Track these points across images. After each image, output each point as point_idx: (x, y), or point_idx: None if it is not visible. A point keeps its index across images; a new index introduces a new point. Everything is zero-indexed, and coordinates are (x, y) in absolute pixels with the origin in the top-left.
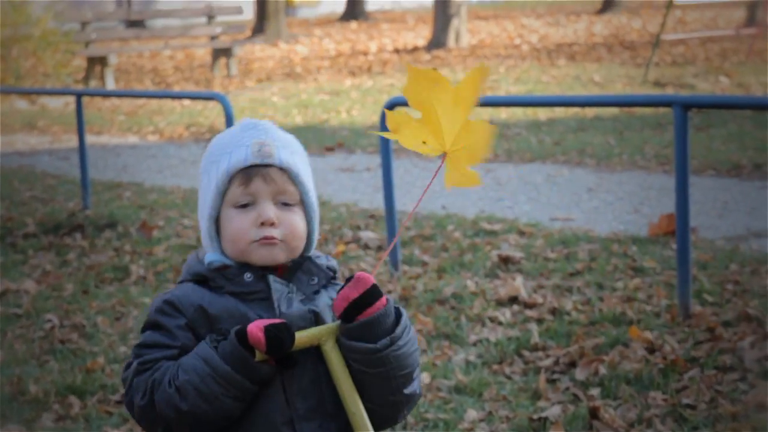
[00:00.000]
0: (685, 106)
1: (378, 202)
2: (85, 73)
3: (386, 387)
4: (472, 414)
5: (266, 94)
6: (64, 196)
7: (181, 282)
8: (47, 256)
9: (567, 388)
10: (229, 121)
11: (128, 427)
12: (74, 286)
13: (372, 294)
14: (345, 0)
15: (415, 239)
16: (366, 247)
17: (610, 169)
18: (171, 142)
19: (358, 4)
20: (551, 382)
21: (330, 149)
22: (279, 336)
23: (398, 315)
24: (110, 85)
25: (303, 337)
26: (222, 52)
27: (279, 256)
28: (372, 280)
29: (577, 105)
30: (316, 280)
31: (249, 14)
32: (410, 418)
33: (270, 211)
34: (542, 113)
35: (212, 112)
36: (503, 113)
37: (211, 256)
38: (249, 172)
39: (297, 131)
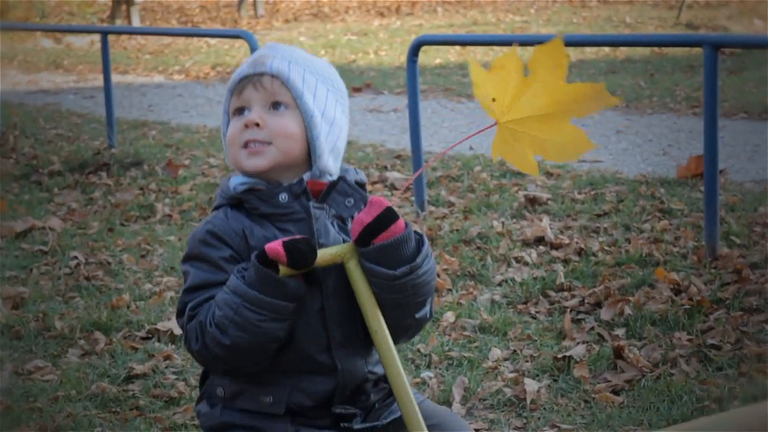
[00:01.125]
0: (715, 46)
1: (405, 143)
2: (111, 12)
3: (399, 312)
4: (496, 353)
5: (293, 35)
6: (90, 135)
7: (217, 207)
8: (73, 194)
9: (592, 328)
10: None
11: (153, 364)
12: (100, 224)
13: (386, 217)
14: None
15: (441, 180)
16: (392, 187)
17: (639, 111)
18: (197, 82)
19: None
20: (576, 322)
21: (357, 90)
22: (298, 247)
23: (420, 243)
24: (136, 23)
25: (325, 254)
26: None
27: (266, 162)
28: (386, 203)
29: (606, 45)
30: (352, 201)
31: None
32: (435, 357)
33: (254, 113)
34: (572, 54)
35: (239, 52)
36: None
37: (235, 179)
38: (242, 83)
39: None
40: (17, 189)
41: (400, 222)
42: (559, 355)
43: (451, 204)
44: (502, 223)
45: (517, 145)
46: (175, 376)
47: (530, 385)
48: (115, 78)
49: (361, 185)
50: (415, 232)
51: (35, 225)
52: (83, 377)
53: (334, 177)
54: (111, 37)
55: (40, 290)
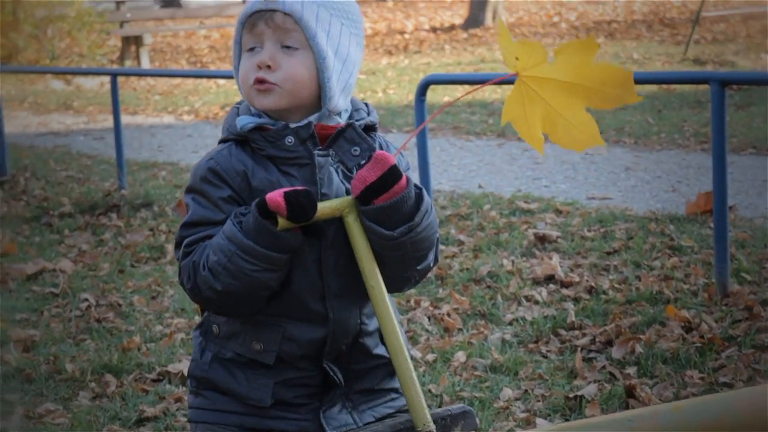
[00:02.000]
0: (722, 83)
1: (414, 181)
2: (120, 53)
3: (400, 266)
4: (507, 392)
5: None
6: (100, 176)
7: (223, 141)
8: (83, 235)
9: (603, 367)
10: None
11: (164, 406)
12: (110, 265)
13: (390, 177)
14: None
15: (451, 218)
16: None
17: (648, 148)
18: (206, 122)
19: None
20: (587, 360)
21: None
22: (299, 200)
23: (419, 198)
24: (145, 64)
25: (325, 207)
26: None
27: (277, 102)
28: (391, 161)
29: None
30: (358, 150)
31: None
32: (446, 397)
33: (265, 53)
34: None
35: None
36: None
37: (243, 119)
38: (254, 18)
39: None
40: (28, 231)
41: (403, 180)
42: (571, 395)
43: (461, 243)
44: (512, 261)
45: (530, 111)
46: (186, 419)
47: (542, 425)
48: (124, 119)
49: (371, 127)
50: (416, 185)
51: (46, 267)
52: (94, 420)
53: (343, 118)
54: (120, 78)
55: (51, 333)
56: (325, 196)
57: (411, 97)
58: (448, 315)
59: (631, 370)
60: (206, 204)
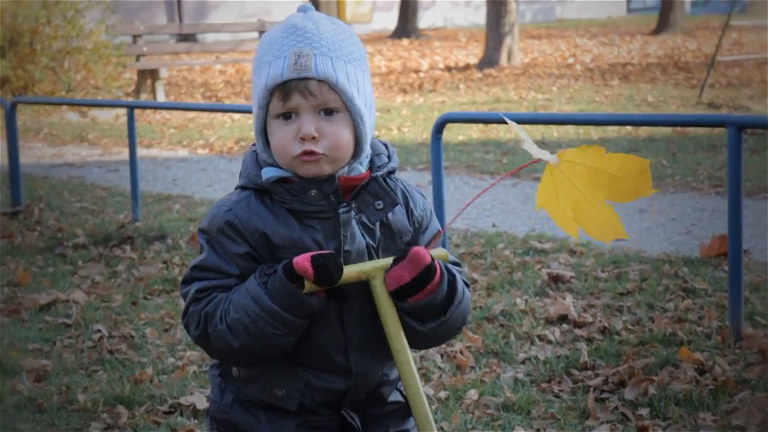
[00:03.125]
0: (739, 127)
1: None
2: (136, 86)
3: (428, 342)
4: None
5: None
6: (114, 208)
7: (242, 188)
8: (97, 267)
9: (616, 408)
10: None
11: None
12: (123, 297)
13: (425, 276)
14: (397, 17)
15: (464, 257)
16: None
17: (662, 190)
18: (221, 156)
19: (410, 21)
20: (600, 401)
21: None
22: (326, 265)
23: (452, 291)
24: (161, 98)
25: (352, 271)
26: None
27: (324, 169)
28: (427, 259)
29: (629, 124)
30: (381, 205)
31: None
32: None
33: (309, 125)
34: (594, 133)
35: None
36: (555, 132)
37: (269, 171)
38: (287, 87)
39: None
40: (41, 261)
41: (437, 277)
42: None
43: (474, 281)
44: (525, 300)
45: (562, 197)
46: None
47: None
48: (139, 152)
49: (392, 172)
50: (449, 273)
51: (59, 297)
52: None
53: (364, 164)
54: (136, 111)
55: (63, 363)
56: (347, 254)
57: (425, 135)
58: (461, 353)
59: (644, 412)
60: (222, 254)
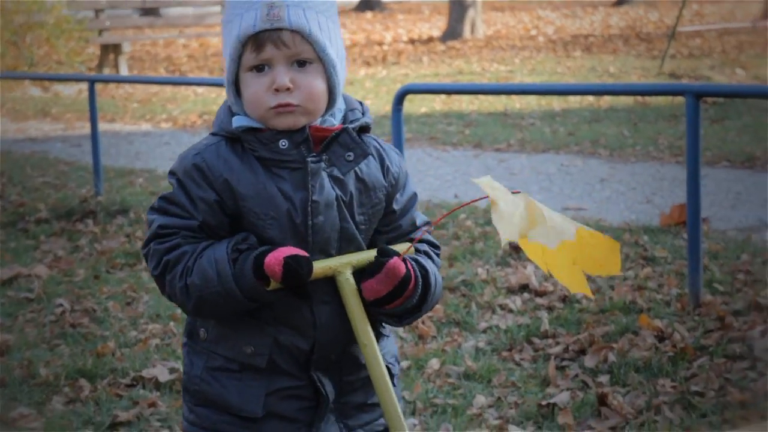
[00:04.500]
0: (697, 95)
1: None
2: (99, 61)
3: (403, 325)
4: (480, 400)
5: None
6: (77, 183)
7: (214, 135)
8: (59, 241)
9: (576, 375)
10: None
11: (137, 411)
12: (85, 271)
13: (400, 288)
14: None
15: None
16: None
17: (623, 160)
18: (184, 130)
19: None
20: (560, 369)
21: None
22: (297, 271)
23: (426, 290)
24: (124, 72)
25: (318, 267)
26: None
27: (299, 120)
28: (401, 272)
29: (589, 93)
30: (352, 156)
31: None
32: (419, 404)
33: (284, 76)
34: (556, 103)
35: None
36: (517, 103)
37: (239, 119)
38: (260, 38)
39: None
40: (3, 236)
41: (412, 285)
42: (544, 402)
43: None
44: (487, 270)
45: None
46: (159, 424)
47: None
48: (102, 126)
49: (365, 128)
50: (422, 269)
51: (21, 272)
52: (68, 425)
53: (337, 117)
54: (99, 86)
55: (26, 337)
56: (315, 204)
57: (388, 108)
58: (423, 323)
59: (604, 379)
60: (187, 195)
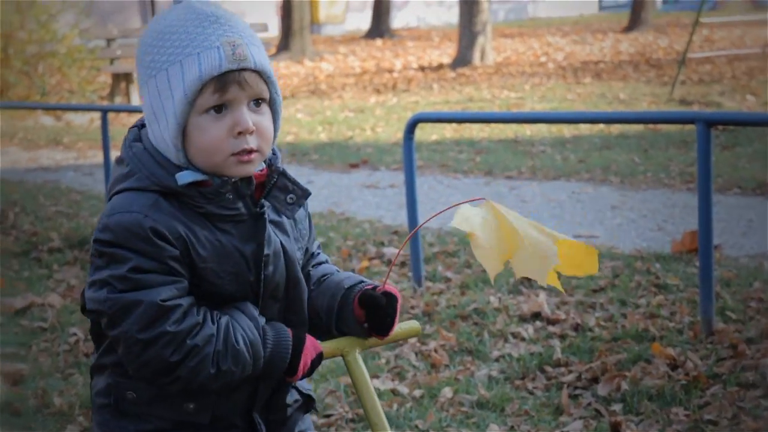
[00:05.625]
0: (708, 123)
1: (402, 219)
2: (111, 90)
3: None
4: (494, 429)
5: (291, 111)
6: (89, 211)
7: (141, 190)
8: (72, 270)
9: (589, 404)
10: None
11: None
12: None
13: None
14: (370, 17)
15: (438, 255)
16: (389, 262)
17: (634, 187)
18: None
19: (383, 21)
20: (573, 397)
21: (354, 166)
22: (315, 368)
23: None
24: (135, 101)
25: (326, 348)
26: None
27: (255, 168)
28: (398, 294)
29: (600, 121)
30: (294, 198)
31: (274, 31)
32: None
33: (248, 119)
34: (567, 130)
35: None
36: (528, 130)
37: (186, 176)
38: (224, 79)
39: (322, 148)
40: (17, 266)
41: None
42: (557, 431)
43: (448, 279)
44: (499, 298)
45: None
46: None
47: None
48: (114, 154)
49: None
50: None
51: (35, 302)
52: None
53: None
54: (111, 115)
55: (40, 367)
56: (267, 257)
57: (399, 135)
58: (435, 351)
59: (617, 407)
60: (157, 262)
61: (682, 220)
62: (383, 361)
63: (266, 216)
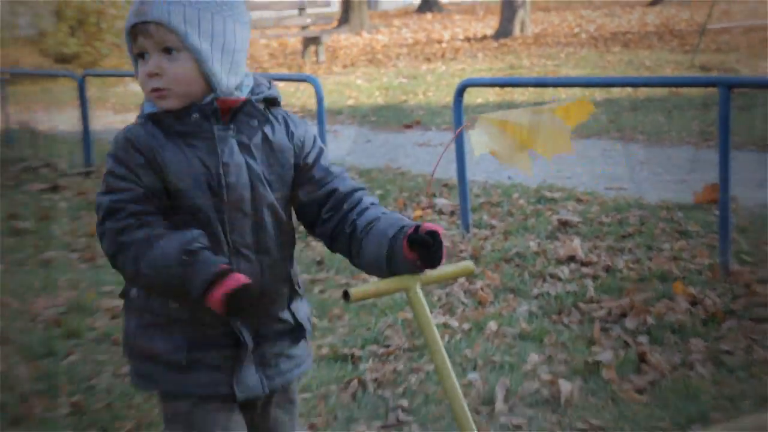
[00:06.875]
0: (729, 86)
1: (451, 173)
2: None
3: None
4: (534, 357)
5: (351, 78)
6: None
7: (140, 118)
8: None
9: (618, 336)
10: (320, 102)
11: None
12: None
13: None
14: None
15: (483, 205)
16: (440, 212)
17: (659, 145)
18: None
19: None
20: (604, 330)
21: (408, 126)
22: (239, 306)
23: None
24: None
25: (391, 284)
26: (311, 41)
27: (173, 103)
28: (440, 230)
29: (629, 85)
30: (256, 122)
31: (336, 7)
32: (479, 361)
33: (151, 63)
34: (599, 94)
35: (303, 94)
36: (563, 94)
37: (148, 106)
38: (134, 31)
39: (379, 110)
40: None
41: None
42: (590, 360)
43: (493, 227)
44: (538, 243)
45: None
46: None
47: (564, 386)
48: None
49: (272, 102)
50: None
51: None
52: None
53: (244, 92)
54: None
55: None
56: (226, 166)
57: (448, 98)
58: (482, 290)
59: (643, 339)
60: (126, 166)
61: (703, 173)
62: (436, 298)
63: (229, 133)
